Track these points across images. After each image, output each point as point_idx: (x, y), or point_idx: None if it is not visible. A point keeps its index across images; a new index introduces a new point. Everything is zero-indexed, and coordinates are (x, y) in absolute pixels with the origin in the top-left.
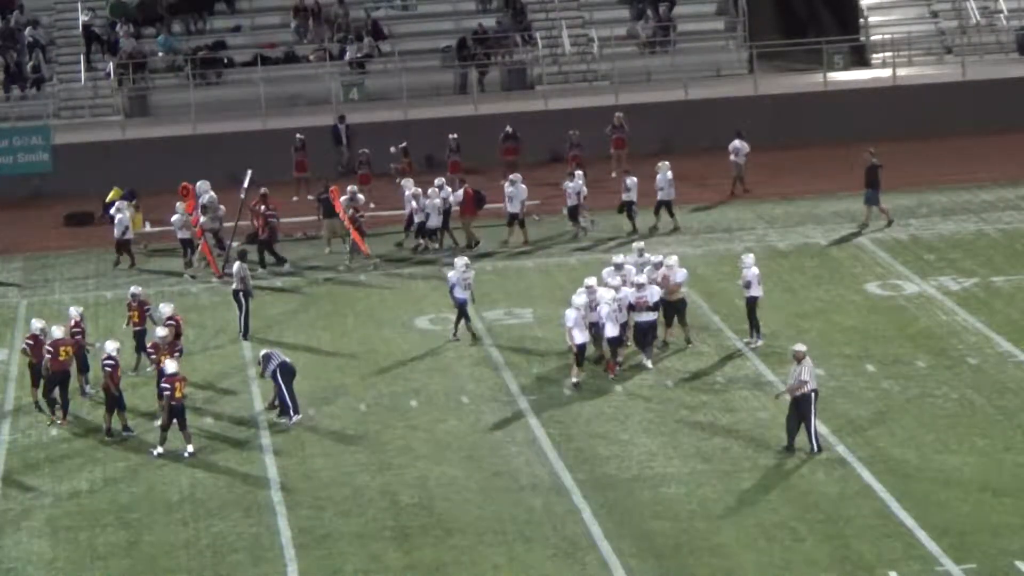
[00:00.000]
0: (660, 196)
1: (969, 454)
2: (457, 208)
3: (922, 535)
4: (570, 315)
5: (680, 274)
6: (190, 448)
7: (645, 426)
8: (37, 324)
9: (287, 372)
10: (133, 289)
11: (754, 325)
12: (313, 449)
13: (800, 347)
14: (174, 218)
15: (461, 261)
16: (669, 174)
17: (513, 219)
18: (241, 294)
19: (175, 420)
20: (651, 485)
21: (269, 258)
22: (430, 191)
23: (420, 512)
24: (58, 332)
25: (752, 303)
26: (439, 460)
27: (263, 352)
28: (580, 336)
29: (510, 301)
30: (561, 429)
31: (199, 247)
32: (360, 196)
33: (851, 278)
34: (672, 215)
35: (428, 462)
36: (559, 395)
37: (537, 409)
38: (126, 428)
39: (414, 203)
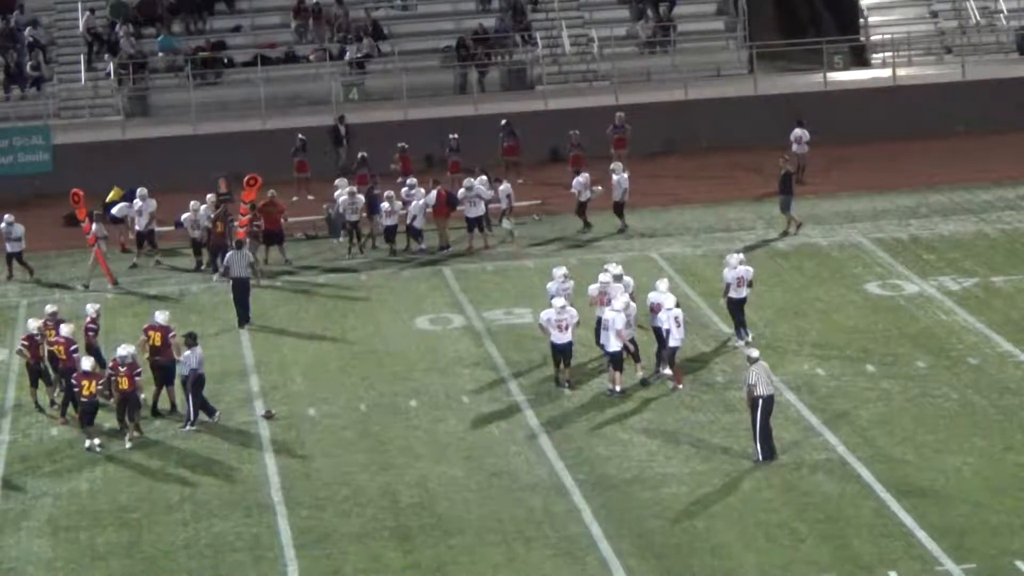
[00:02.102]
0: (615, 197)
1: (969, 454)
2: (430, 210)
3: (922, 535)
4: (618, 319)
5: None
6: (96, 441)
7: (645, 426)
8: (33, 324)
9: (198, 382)
10: (48, 307)
11: (740, 324)
12: (313, 449)
13: (752, 352)
14: (184, 216)
15: (560, 271)
16: (625, 175)
17: (471, 224)
18: (249, 281)
19: (87, 415)
20: (651, 485)
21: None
22: (415, 192)
23: (420, 512)
24: (33, 326)
25: (737, 304)
26: (439, 460)
27: (187, 353)
28: (616, 343)
29: (510, 301)
30: (561, 429)
31: (92, 254)
32: (360, 197)
33: (851, 278)
34: (621, 216)
35: (428, 462)
36: (559, 395)
37: (537, 409)
38: (137, 429)
39: (386, 204)
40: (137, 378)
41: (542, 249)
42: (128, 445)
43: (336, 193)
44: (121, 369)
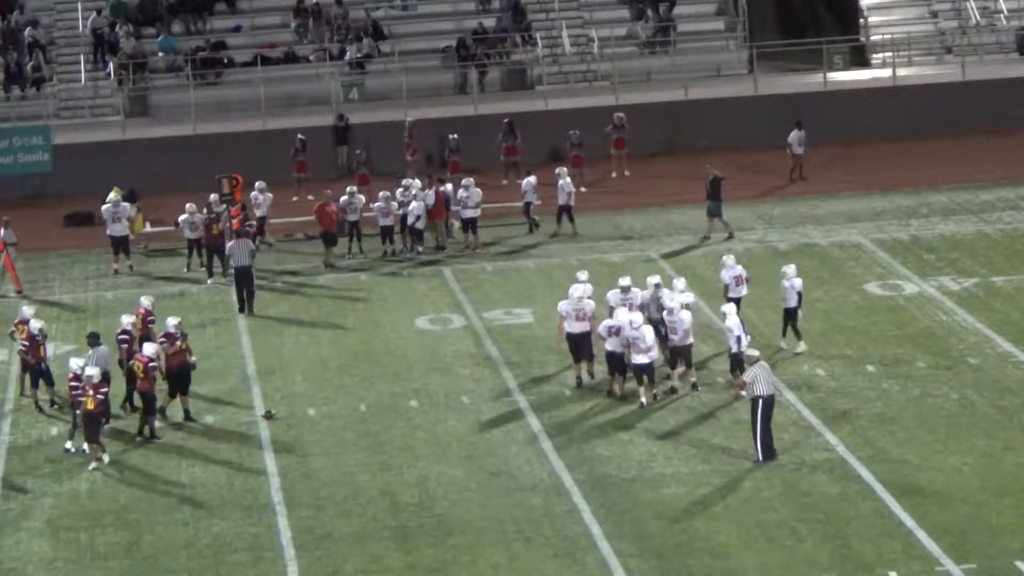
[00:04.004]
0: (560, 201)
1: (969, 454)
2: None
3: (922, 535)
4: (648, 332)
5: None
6: (68, 444)
7: (645, 426)
8: (35, 324)
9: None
10: (25, 308)
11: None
12: (313, 449)
13: (752, 352)
14: (181, 218)
15: (653, 280)
16: (568, 179)
17: (466, 224)
18: (251, 269)
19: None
20: (651, 485)
21: (217, 264)
22: (415, 192)
23: (420, 512)
24: (35, 327)
25: (736, 303)
26: (439, 460)
27: (89, 352)
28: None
29: (510, 301)
30: (561, 429)
31: (1, 260)
32: (360, 197)
33: (851, 278)
34: (571, 220)
35: (428, 462)
36: (559, 395)
37: (537, 409)
38: (153, 434)
39: (380, 204)
40: (101, 397)
41: (542, 250)
42: (92, 466)
43: (254, 196)
44: (89, 391)
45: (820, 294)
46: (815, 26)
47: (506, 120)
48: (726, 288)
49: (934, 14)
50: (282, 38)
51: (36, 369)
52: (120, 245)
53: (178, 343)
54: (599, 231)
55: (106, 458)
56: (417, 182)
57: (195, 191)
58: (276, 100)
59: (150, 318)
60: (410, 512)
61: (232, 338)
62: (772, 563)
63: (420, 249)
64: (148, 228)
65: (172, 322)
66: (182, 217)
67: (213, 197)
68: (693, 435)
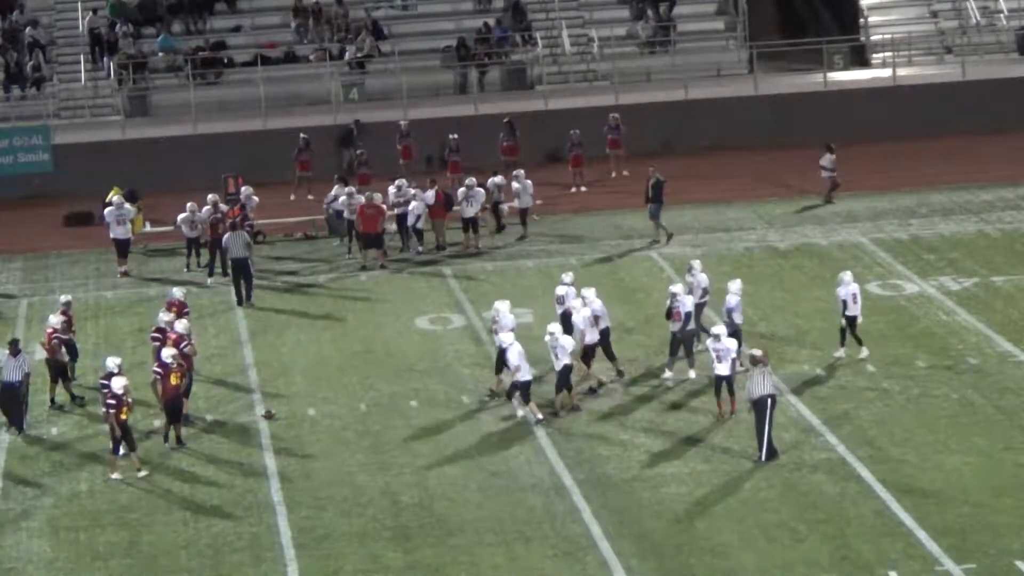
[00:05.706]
0: (518, 204)
1: (969, 454)
2: (427, 209)
3: (922, 535)
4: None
5: (508, 320)
6: (115, 476)
7: (645, 426)
8: (55, 320)
9: (8, 390)
10: (63, 298)
11: (700, 328)
12: (313, 449)
13: (756, 352)
14: (181, 216)
15: (736, 285)
16: (528, 182)
17: (467, 224)
18: (247, 260)
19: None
20: (651, 485)
21: (217, 264)
22: (408, 192)
23: (420, 512)
24: (55, 321)
25: (699, 308)
26: (439, 460)
27: (12, 361)
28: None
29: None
30: (561, 429)
31: None
32: (361, 197)
33: None
34: (524, 224)
35: (428, 462)
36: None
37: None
38: (179, 440)
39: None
40: (112, 411)
41: (542, 249)
42: (141, 474)
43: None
44: (127, 400)
45: (820, 294)
46: (815, 26)
47: (506, 120)
48: (705, 292)
49: (934, 14)
50: (282, 38)
51: (53, 364)
52: (124, 248)
53: (194, 343)
54: (599, 231)
55: (142, 472)
56: (403, 181)
57: (195, 191)
58: (276, 100)
59: (185, 310)
60: (410, 512)
61: (232, 338)
62: (772, 563)
63: (420, 249)
64: (148, 228)
65: (182, 325)
66: (181, 216)
67: (211, 197)
68: (693, 435)
